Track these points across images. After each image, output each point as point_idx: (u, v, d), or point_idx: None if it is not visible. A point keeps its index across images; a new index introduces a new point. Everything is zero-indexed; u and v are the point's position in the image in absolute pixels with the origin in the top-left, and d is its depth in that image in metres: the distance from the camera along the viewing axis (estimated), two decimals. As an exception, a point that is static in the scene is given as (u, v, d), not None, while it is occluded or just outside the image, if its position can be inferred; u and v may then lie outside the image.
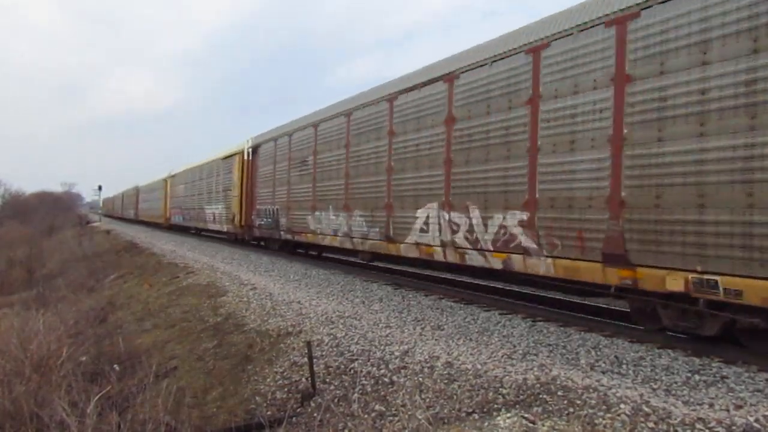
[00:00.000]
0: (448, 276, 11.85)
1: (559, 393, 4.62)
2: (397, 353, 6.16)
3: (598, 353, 5.75)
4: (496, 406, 4.66)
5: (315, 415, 5.51)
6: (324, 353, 6.72)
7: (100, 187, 61.90)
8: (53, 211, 69.94)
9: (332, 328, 7.50)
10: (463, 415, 4.66)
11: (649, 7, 5.98)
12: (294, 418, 5.72)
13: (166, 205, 34.45)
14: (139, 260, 20.20)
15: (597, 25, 6.52)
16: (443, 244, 8.94)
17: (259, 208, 17.57)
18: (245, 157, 18.95)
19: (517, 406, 4.58)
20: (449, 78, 8.97)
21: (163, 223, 35.53)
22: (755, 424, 3.85)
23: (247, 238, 19.84)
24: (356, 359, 6.32)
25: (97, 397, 5.87)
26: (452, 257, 8.80)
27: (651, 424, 3.96)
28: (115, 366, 8.16)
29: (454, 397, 4.97)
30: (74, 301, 14.86)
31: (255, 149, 18.47)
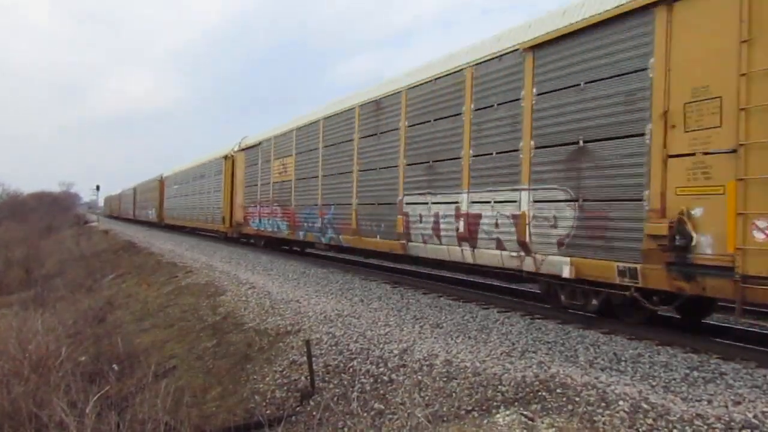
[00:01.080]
0: (446, 274, 11.86)
1: (558, 390, 4.63)
2: (396, 351, 6.16)
3: (597, 350, 5.75)
4: (495, 403, 4.67)
5: (314, 413, 5.52)
6: (323, 352, 6.72)
7: (98, 187, 62.01)
8: (51, 211, 69.86)
9: (331, 327, 7.49)
10: (463, 413, 4.67)
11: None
12: (293, 417, 5.72)
13: (231, 200, 20.72)
14: (138, 260, 20.17)
15: None
16: None
17: None
18: None
19: (516, 403, 4.59)
20: None
21: (225, 232, 21.94)
22: (754, 420, 3.86)
23: None
24: (355, 358, 6.32)
25: (96, 397, 5.87)
26: None
27: (650, 421, 3.97)
28: (114, 366, 8.15)
29: (453, 395, 4.97)
30: (73, 301, 14.85)
31: None
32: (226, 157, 21.51)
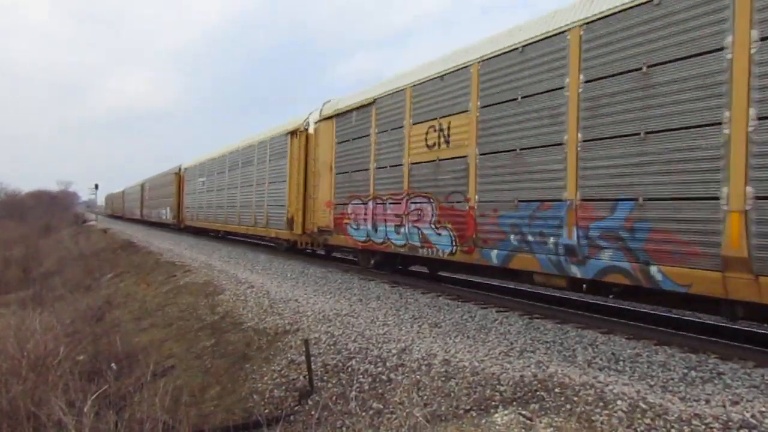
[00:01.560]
0: (445, 274, 11.86)
1: (557, 390, 4.63)
2: (394, 351, 6.17)
3: (595, 350, 5.76)
4: (493, 403, 4.67)
5: (313, 413, 5.52)
6: (321, 351, 6.72)
7: (96, 186, 61.85)
8: (50, 210, 69.86)
9: (330, 326, 7.50)
10: (461, 412, 4.67)
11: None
12: (292, 417, 5.72)
13: (304, 195, 14.20)
14: (136, 259, 20.15)
15: None
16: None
17: None
18: None
19: (515, 403, 4.59)
20: None
21: (293, 240, 15.08)
22: (751, 420, 3.87)
23: None
24: (354, 357, 6.32)
25: (94, 396, 5.86)
26: None
27: (648, 421, 3.97)
28: (113, 365, 8.14)
29: (452, 394, 4.98)
30: (71, 300, 14.83)
31: None
32: (293, 133, 14.71)
